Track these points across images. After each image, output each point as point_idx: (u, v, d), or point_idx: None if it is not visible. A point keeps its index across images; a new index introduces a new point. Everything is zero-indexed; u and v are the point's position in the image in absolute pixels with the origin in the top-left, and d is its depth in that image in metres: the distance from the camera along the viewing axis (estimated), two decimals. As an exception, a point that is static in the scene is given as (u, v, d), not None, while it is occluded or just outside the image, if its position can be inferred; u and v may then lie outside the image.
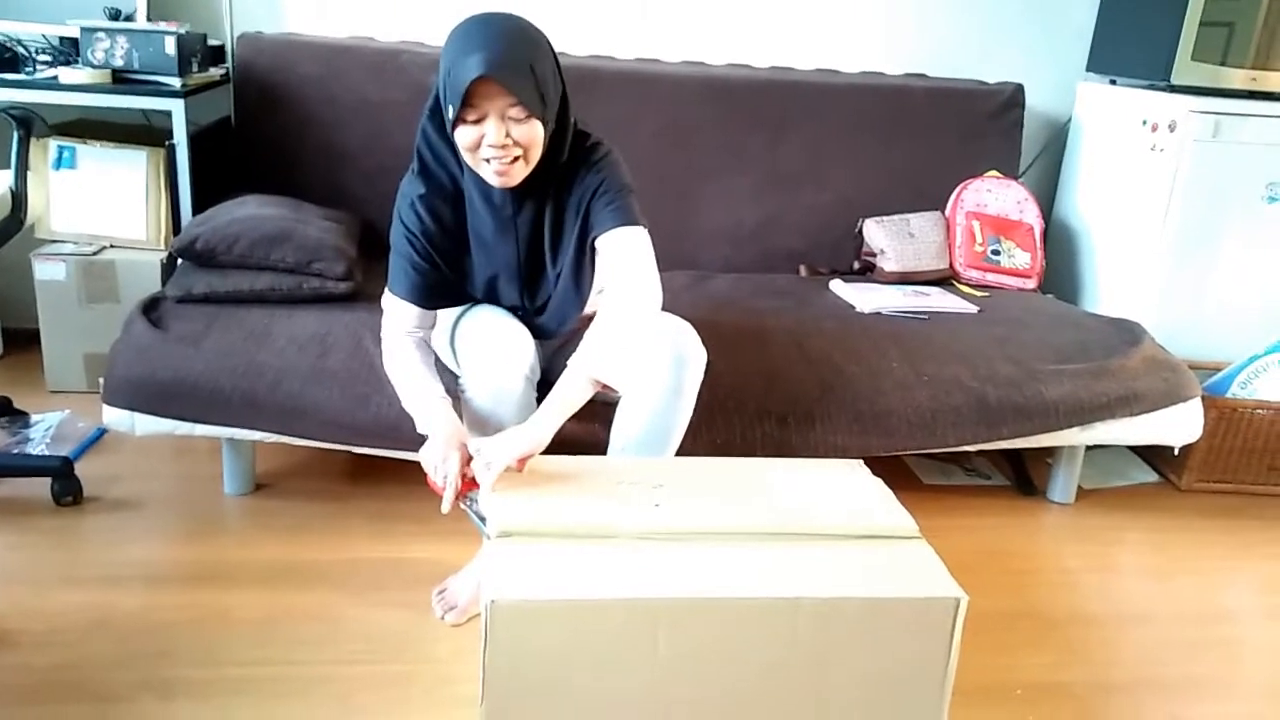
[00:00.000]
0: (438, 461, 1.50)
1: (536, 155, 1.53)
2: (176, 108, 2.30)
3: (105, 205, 2.53)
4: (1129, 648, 1.84)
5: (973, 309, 2.43)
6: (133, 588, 1.80)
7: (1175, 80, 2.58)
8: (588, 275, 1.68)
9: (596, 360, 1.52)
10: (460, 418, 1.62)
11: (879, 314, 2.37)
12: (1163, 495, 2.48)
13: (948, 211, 2.81)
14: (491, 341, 1.66)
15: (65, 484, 2.04)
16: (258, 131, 2.58)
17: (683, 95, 2.71)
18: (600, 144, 1.65)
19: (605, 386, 1.53)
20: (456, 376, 1.70)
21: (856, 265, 2.78)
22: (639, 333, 1.56)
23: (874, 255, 2.75)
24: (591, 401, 1.54)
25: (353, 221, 2.45)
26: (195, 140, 2.40)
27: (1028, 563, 2.13)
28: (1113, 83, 2.87)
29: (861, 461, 1.56)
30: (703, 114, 2.72)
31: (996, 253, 2.73)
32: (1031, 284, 2.75)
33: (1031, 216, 2.80)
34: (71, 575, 1.83)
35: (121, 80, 2.33)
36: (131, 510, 2.06)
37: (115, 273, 2.47)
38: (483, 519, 1.39)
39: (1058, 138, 3.05)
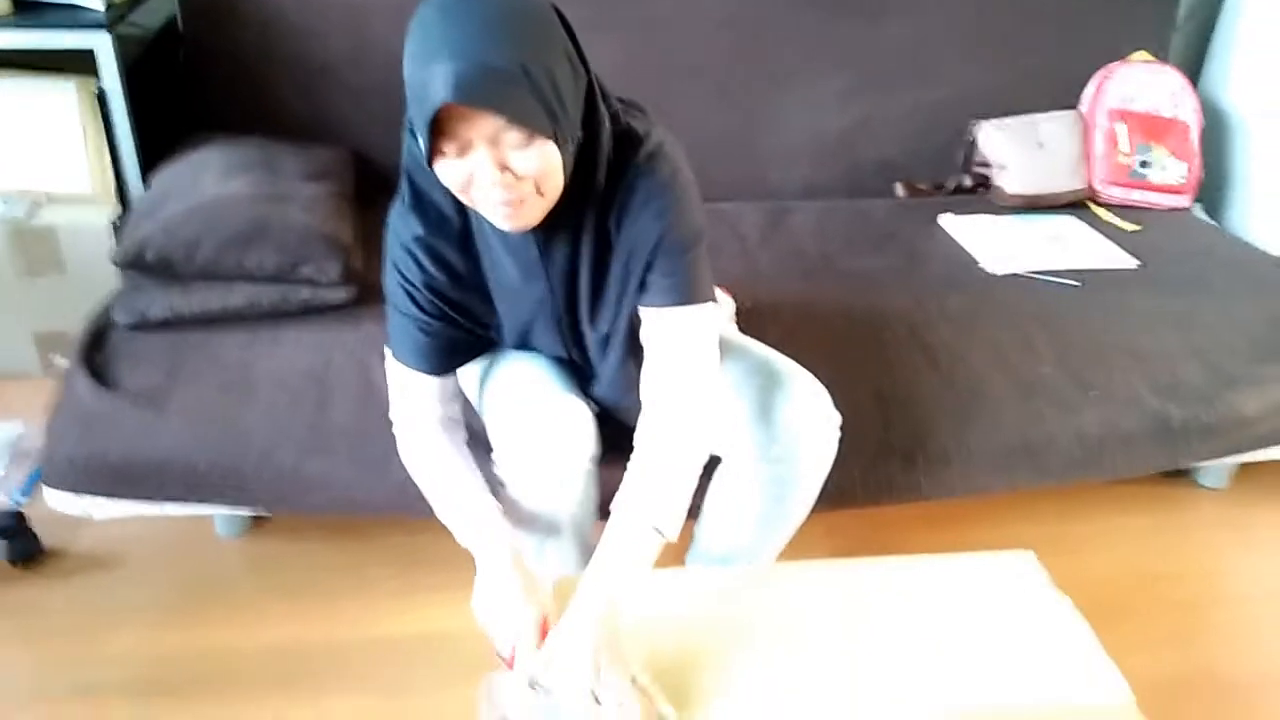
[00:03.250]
0: (503, 626, 1.09)
1: (556, 186, 1.05)
2: (101, 45, 1.72)
3: (33, 151, 2.01)
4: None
5: (1131, 263, 1.93)
6: (117, 702, 1.47)
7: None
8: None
9: (661, 509, 1.12)
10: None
11: (1015, 277, 1.88)
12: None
13: (1085, 108, 2.24)
14: (537, 412, 1.23)
15: (17, 544, 1.66)
16: (213, 44, 2.00)
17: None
18: (658, 151, 1.13)
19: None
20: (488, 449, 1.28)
21: (967, 181, 2.25)
22: (698, 464, 1.17)
23: (988, 167, 2.22)
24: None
25: (343, 167, 1.94)
26: (135, 64, 1.85)
27: (1190, 590, 1.76)
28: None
29: (1034, 557, 1.24)
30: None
31: (1145, 164, 2.19)
32: (1185, 201, 2.22)
33: (1188, 112, 2.23)
34: (41, 688, 1.49)
35: (26, 7, 1.75)
36: (105, 572, 1.69)
37: (57, 239, 1.99)
38: (551, 699, 1.02)
39: (1211, 2, 2.40)
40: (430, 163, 1.01)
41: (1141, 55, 2.24)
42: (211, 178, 1.75)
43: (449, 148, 0.99)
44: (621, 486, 1.13)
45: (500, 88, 0.95)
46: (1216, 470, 1.94)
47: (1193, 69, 2.42)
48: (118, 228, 1.94)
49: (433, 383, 1.23)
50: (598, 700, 0.98)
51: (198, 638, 1.58)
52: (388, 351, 1.23)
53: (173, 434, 1.43)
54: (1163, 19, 2.28)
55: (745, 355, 1.35)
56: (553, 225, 1.11)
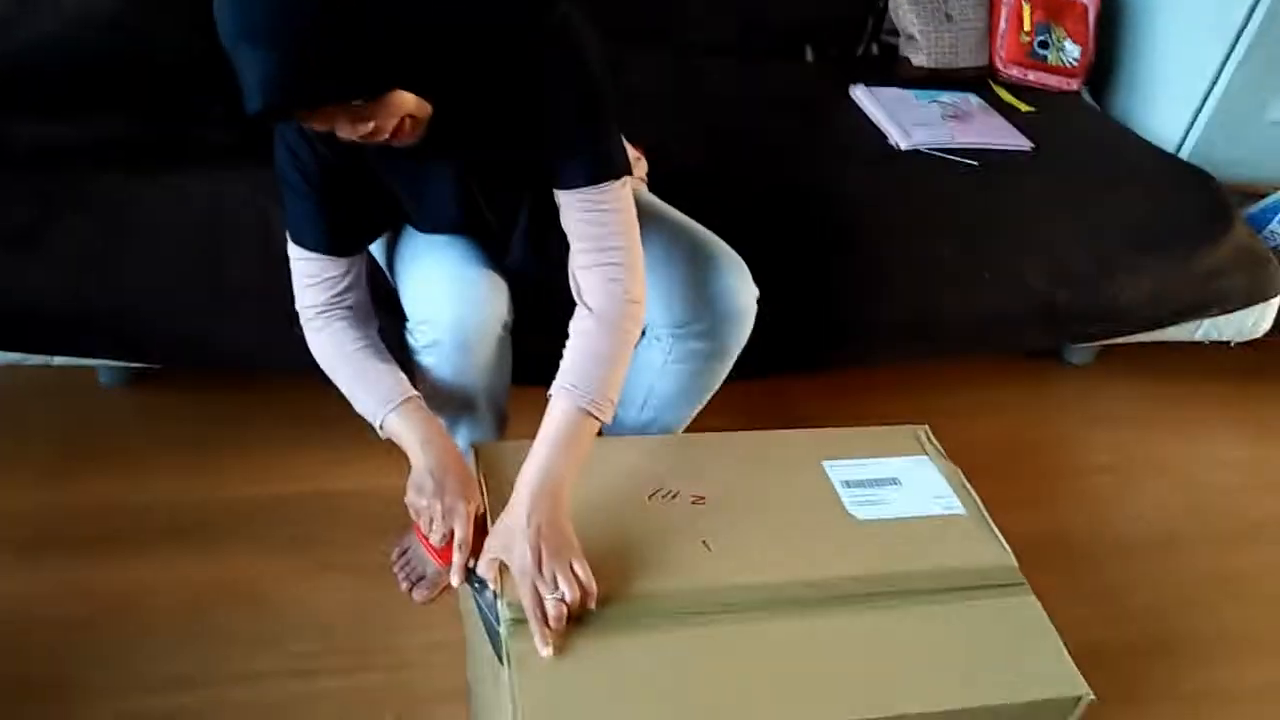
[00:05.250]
0: (435, 514, 1.07)
1: (424, 111, 1.00)
2: None
3: None
4: (1153, 589, 1.65)
5: (1025, 144, 1.98)
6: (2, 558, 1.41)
7: None
8: (555, 240, 1.18)
9: (597, 393, 1.09)
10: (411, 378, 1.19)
11: (918, 153, 1.90)
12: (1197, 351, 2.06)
13: (992, -19, 2.25)
14: (449, 275, 1.20)
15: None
16: None
17: None
18: (565, 23, 1.07)
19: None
20: (402, 319, 1.24)
21: (875, 49, 2.24)
22: (631, 345, 1.15)
23: (895, 36, 2.21)
24: None
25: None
26: None
27: (1052, 461, 1.90)
28: None
29: (927, 431, 1.30)
30: None
31: (1045, 45, 2.23)
32: (1075, 84, 2.28)
33: (1087, -7, 2.27)
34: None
35: None
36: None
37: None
38: (488, 593, 1.03)
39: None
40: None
41: (1052, -68, 2.24)
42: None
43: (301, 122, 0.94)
44: (559, 372, 1.11)
45: (320, 89, 0.88)
46: (1083, 350, 2.09)
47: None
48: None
49: (339, 264, 1.16)
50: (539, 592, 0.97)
51: (83, 491, 1.52)
52: (289, 238, 1.16)
53: (52, 279, 1.32)
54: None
55: (666, 225, 1.33)
56: (448, 114, 1.04)
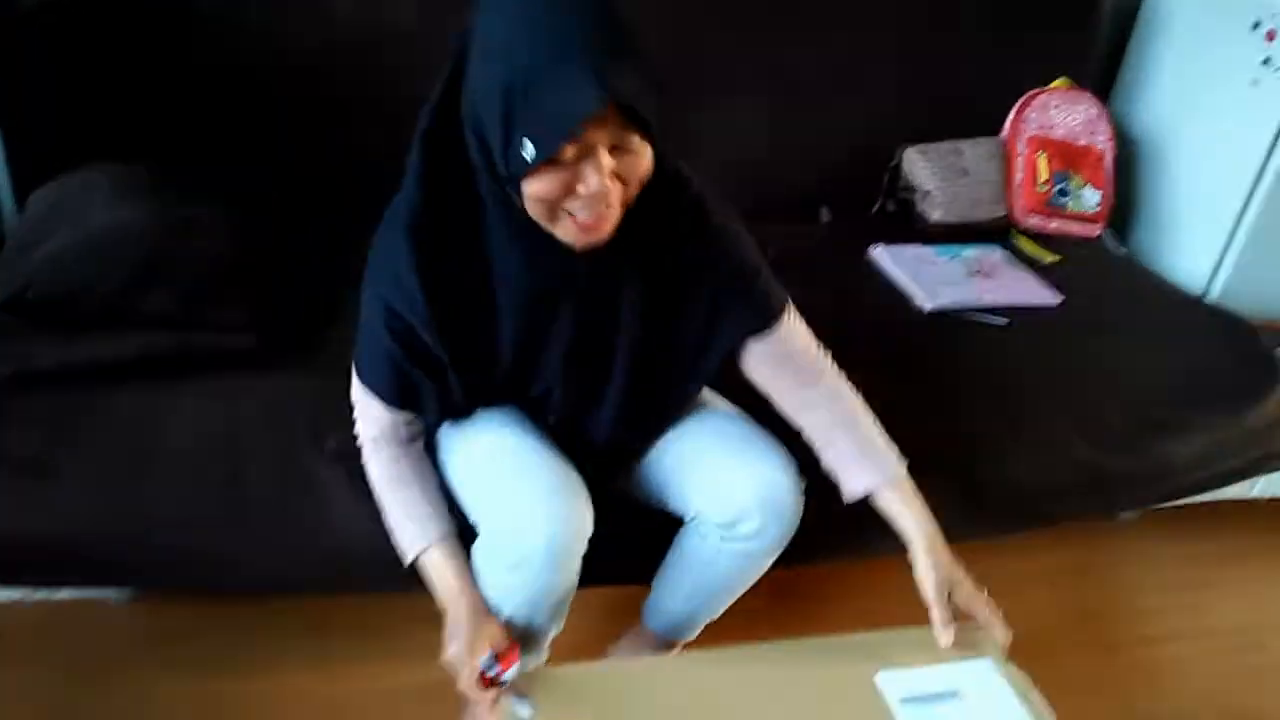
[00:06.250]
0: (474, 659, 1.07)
1: (634, 193, 1.02)
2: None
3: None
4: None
5: (1053, 299, 1.94)
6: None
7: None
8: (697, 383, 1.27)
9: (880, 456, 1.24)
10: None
11: (945, 315, 1.87)
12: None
13: (1005, 134, 2.25)
14: (538, 478, 1.14)
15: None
16: (95, 39, 1.80)
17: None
18: (693, 180, 1.15)
19: None
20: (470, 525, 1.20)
21: (891, 206, 2.23)
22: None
23: (911, 192, 2.21)
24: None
25: (256, 184, 1.77)
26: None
27: (1110, 633, 1.79)
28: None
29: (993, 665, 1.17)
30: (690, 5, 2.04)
31: (1064, 193, 2.22)
32: (1097, 230, 2.26)
33: (1103, 139, 2.26)
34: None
35: None
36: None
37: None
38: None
39: (1119, 22, 2.42)
40: (526, 175, 0.93)
41: (1061, 82, 2.25)
42: (101, 201, 1.56)
43: (567, 154, 0.93)
44: (835, 462, 1.24)
45: (641, 85, 0.91)
46: (1130, 505, 2.00)
47: (1105, 93, 2.45)
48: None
49: (408, 415, 1.19)
50: None
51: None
52: (355, 380, 1.17)
53: (65, 509, 1.28)
54: (1086, 44, 2.29)
55: (713, 420, 1.32)
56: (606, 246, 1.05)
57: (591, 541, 1.15)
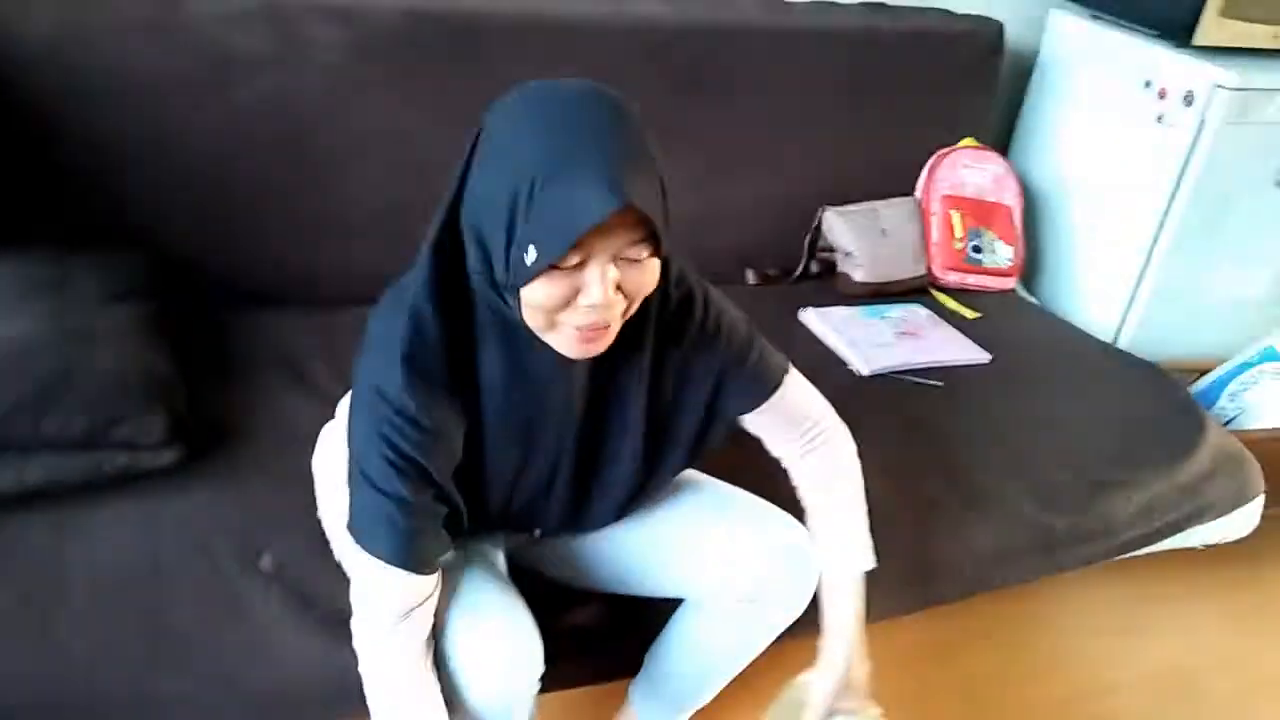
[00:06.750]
0: None
1: (635, 309, 0.98)
2: None
3: None
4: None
5: (983, 356, 1.96)
6: None
7: (1199, 40, 2.09)
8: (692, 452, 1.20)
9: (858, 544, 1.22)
10: None
11: (882, 377, 1.86)
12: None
13: (919, 193, 2.29)
14: (494, 630, 1.08)
15: None
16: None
17: (594, 51, 1.98)
18: (695, 286, 1.12)
19: None
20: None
21: (815, 267, 2.23)
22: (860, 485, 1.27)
23: (833, 253, 2.22)
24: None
25: (148, 278, 1.63)
26: None
27: (1061, 686, 1.80)
28: (1095, 19, 2.35)
29: None
30: (623, 75, 2.00)
31: (978, 249, 2.26)
32: (1011, 283, 2.31)
33: (1011, 196, 2.32)
34: None
35: None
36: None
37: None
38: None
39: (1016, 81, 2.50)
40: (528, 281, 0.87)
41: (968, 141, 2.31)
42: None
43: (571, 261, 0.87)
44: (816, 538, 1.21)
45: (653, 195, 0.88)
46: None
47: (1005, 151, 2.53)
48: None
49: (420, 580, 1.02)
50: None
51: None
52: (363, 559, 1.02)
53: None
54: (986, 105, 2.36)
55: (690, 489, 1.29)
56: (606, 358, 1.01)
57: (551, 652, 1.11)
